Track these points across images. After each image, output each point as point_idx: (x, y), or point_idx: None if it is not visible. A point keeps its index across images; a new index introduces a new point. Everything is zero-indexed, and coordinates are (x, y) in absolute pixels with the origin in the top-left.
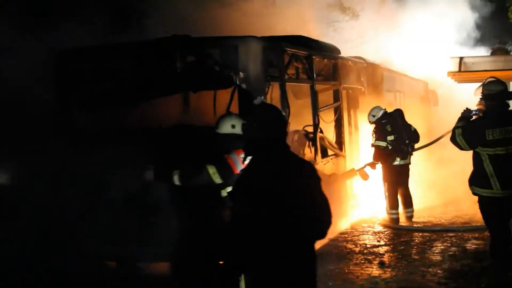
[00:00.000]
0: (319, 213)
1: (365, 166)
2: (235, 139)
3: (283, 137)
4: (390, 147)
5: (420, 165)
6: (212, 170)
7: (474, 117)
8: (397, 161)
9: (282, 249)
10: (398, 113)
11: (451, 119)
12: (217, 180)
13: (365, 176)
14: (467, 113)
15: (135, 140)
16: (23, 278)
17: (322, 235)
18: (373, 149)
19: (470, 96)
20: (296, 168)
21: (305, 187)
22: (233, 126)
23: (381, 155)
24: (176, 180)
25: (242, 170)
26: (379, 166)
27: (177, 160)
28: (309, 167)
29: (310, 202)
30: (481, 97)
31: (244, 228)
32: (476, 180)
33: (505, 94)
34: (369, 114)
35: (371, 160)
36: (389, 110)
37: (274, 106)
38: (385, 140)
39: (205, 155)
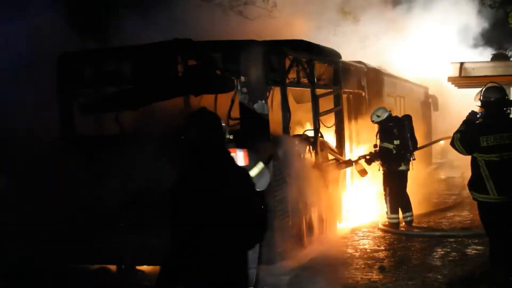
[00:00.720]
0: (254, 219)
1: (359, 159)
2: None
3: (220, 143)
4: (394, 152)
5: (419, 170)
6: None
7: (479, 120)
8: (402, 166)
9: (218, 253)
10: (408, 120)
11: (451, 124)
12: None
13: (363, 173)
14: (472, 116)
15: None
16: (23, 279)
17: (258, 240)
18: (376, 150)
19: (470, 101)
20: (230, 174)
21: (239, 193)
22: None
23: (385, 157)
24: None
25: (178, 175)
26: (374, 166)
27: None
28: (243, 173)
29: (244, 208)
30: (478, 104)
31: (183, 231)
32: (474, 185)
33: (502, 101)
34: (373, 114)
35: (369, 158)
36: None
37: (213, 114)
38: (392, 143)
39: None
